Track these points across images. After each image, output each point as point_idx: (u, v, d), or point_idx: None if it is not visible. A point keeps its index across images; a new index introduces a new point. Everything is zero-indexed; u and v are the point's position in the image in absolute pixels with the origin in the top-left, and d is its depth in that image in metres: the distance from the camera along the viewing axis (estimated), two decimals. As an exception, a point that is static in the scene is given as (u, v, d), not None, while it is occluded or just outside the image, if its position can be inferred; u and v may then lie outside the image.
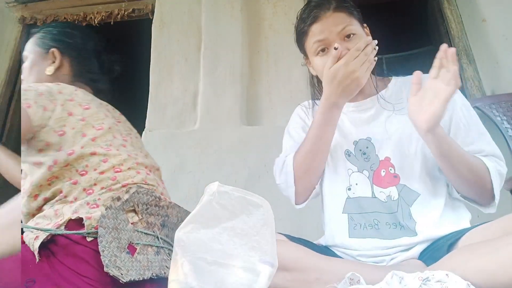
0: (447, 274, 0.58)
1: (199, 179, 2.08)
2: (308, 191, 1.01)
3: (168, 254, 0.90)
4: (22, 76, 1.04)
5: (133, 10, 2.82)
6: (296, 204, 1.02)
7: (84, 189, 0.85)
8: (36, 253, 0.76)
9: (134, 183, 0.90)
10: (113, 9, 2.84)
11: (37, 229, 0.79)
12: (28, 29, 2.95)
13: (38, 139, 0.88)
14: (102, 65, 1.11)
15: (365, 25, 1.03)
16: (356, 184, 0.96)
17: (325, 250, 0.95)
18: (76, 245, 0.78)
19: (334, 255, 0.94)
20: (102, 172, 0.88)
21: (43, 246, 0.78)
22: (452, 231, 0.85)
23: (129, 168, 0.93)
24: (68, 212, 0.81)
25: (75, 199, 0.84)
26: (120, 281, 0.73)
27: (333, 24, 0.94)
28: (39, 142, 0.88)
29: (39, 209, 0.89)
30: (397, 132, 0.95)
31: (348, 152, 0.99)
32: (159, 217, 0.92)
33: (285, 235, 0.89)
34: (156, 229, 0.90)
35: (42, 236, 0.77)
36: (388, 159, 0.95)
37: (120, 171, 0.90)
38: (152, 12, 2.69)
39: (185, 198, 2.04)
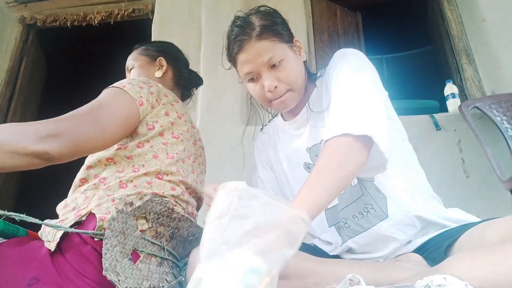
0: (445, 278, 0.58)
1: (199, 179, 2.08)
2: None
3: (171, 267, 0.90)
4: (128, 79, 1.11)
5: (133, 10, 2.82)
6: None
7: (120, 181, 0.87)
8: (55, 243, 0.76)
9: (160, 195, 0.90)
10: (113, 9, 2.84)
11: (48, 225, 0.79)
12: (28, 29, 2.95)
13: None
14: (191, 76, 1.29)
15: (295, 39, 0.98)
16: None
17: (316, 249, 0.95)
18: (84, 244, 0.78)
19: (329, 256, 0.94)
20: (145, 174, 0.89)
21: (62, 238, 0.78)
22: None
23: (169, 181, 0.93)
24: (93, 203, 0.82)
25: (108, 187, 0.86)
26: (116, 287, 0.73)
27: (257, 55, 0.90)
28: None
29: (85, 180, 0.91)
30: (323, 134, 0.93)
31: (307, 164, 0.97)
32: (169, 228, 0.91)
33: None
34: (164, 240, 0.89)
35: (68, 222, 0.79)
36: None
37: (161, 179, 0.91)
38: (152, 12, 2.70)
39: (185, 198, 2.05)
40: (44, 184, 3.03)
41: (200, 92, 2.33)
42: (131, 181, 0.88)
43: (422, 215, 0.86)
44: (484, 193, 1.83)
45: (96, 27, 2.87)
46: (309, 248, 0.91)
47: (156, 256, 0.86)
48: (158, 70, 1.18)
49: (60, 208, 0.88)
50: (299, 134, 1.01)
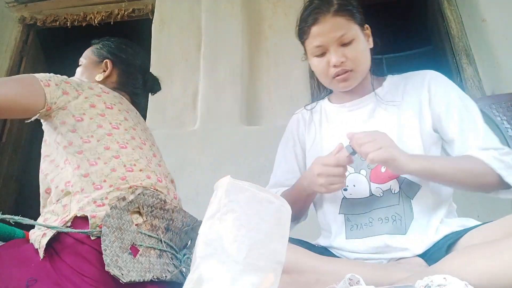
0: (445, 278, 0.58)
1: (199, 179, 2.08)
2: (298, 218, 1.05)
3: (170, 258, 0.90)
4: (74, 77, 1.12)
5: (133, 10, 2.82)
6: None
7: (94, 184, 0.86)
8: (42, 250, 0.77)
9: (142, 186, 0.90)
10: (113, 9, 2.84)
11: (44, 225, 0.79)
12: (28, 29, 2.95)
13: (55, 118, 0.93)
14: (146, 82, 1.22)
15: (366, 26, 1.03)
16: (354, 185, 0.95)
17: (323, 251, 0.95)
18: (80, 244, 0.78)
19: (332, 256, 0.93)
20: (113, 169, 0.88)
21: (48, 244, 0.78)
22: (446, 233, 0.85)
23: (140, 170, 0.93)
24: (75, 208, 0.82)
25: (82, 190, 0.85)
26: (120, 281, 0.73)
27: (331, 29, 0.94)
28: (56, 120, 0.93)
29: (50, 190, 0.92)
30: (395, 126, 0.96)
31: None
32: (164, 220, 0.92)
33: None
34: (160, 232, 0.90)
35: (50, 233, 0.78)
36: None
37: (132, 171, 0.91)
38: (152, 12, 2.70)
39: (185, 198, 2.04)
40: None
41: (200, 92, 2.33)
42: (104, 180, 0.87)
43: (436, 240, 0.86)
44: (484, 193, 1.83)
45: (96, 27, 2.87)
46: (311, 247, 0.91)
47: (155, 248, 0.86)
48: (101, 73, 1.14)
49: (41, 220, 0.87)
50: (354, 116, 1.03)
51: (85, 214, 0.80)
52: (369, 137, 0.82)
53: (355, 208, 0.94)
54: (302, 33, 1.01)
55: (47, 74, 0.95)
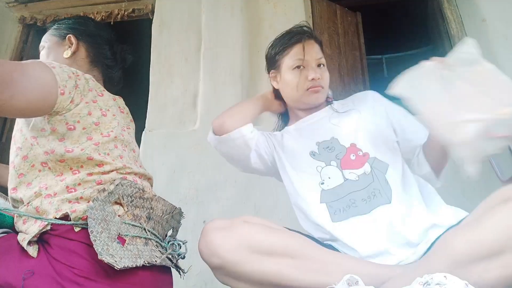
0: (445, 276, 0.59)
1: (199, 179, 2.08)
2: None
3: (155, 246, 0.91)
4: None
5: (133, 10, 2.82)
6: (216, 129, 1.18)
7: (67, 187, 0.85)
8: (31, 250, 0.78)
9: (119, 178, 0.91)
10: (113, 9, 2.84)
11: (33, 217, 0.80)
12: (28, 29, 2.95)
13: (48, 122, 0.87)
14: (115, 53, 1.15)
15: None
16: (329, 178, 1.05)
17: (329, 246, 0.96)
18: (67, 240, 0.79)
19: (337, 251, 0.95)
20: (90, 174, 0.87)
21: (40, 240, 0.80)
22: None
23: (117, 172, 0.93)
24: (51, 210, 0.81)
25: (55, 194, 0.84)
26: (115, 267, 0.74)
27: (313, 51, 1.17)
28: (47, 125, 0.87)
29: (15, 189, 0.88)
30: (355, 123, 1.12)
31: (312, 152, 1.11)
32: (144, 209, 0.92)
33: (291, 230, 0.92)
34: (143, 221, 0.90)
35: (28, 237, 0.79)
36: (354, 145, 1.08)
37: (108, 175, 0.90)
38: (152, 12, 2.70)
39: (185, 198, 2.05)
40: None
41: (200, 92, 2.33)
42: (79, 184, 0.85)
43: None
44: (484, 193, 1.83)
45: (96, 27, 2.87)
46: (318, 242, 0.95)
47: (140, 237, 0.87)
48: (66, 49, 1.06)
49: (20, 223, 0.85)
50: (312, 129, 1.18)
51: (64, 213, 0.80)
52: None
53: (334, 196, 1.03)
54: (283, 49, 1.19)
55: (64, 71, 0.88)
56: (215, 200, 2.00)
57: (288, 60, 1.17)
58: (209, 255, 0.83)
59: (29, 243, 0.79)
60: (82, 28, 1.11)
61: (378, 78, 2.59)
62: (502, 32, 2.19)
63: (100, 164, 0.89)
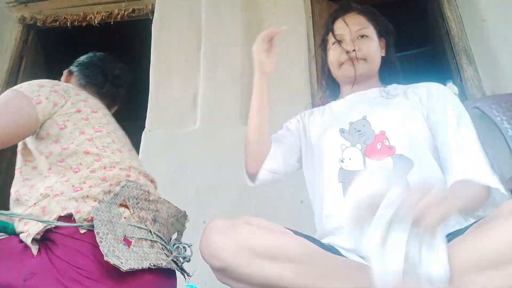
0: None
1: (199, 179, 2.08)
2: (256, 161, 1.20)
3: (161, 249, 0.91)
4: None
5: (133, 10, 2.82)
6: (248, 173, 1.21)
7: (73, 186, 0.86)
8: (34, 248, 0.78)
9: (125, 180, 0.91)
10: (113, 9, 2.84)
11: (38, 220, 0.80)
12: (28, 29, 2.95)
13: (41, 129, 0.93)
14: (106, 74, 1.21)
15: (383, 39, 1.22)
16: (350, 158, 1.03)
17: (331, 249, 0.96)
18: (71, 239, 0.79)
19: (339, 255, 0.94)
20: (93, 171, 0.88)
21: (42, 239, 0.79)
22: None
23: (120, 169, 0.93)
24: (56, 209, 0.82)
25: (61, 193, 0.85)
26: (121, 269, 0.74)
27: (352, 23, 1.15)
28: (42, 131, 0.93)
29: (18, 192, 0.92)
30: (395, 111, 1.06)
31: (342, 130, 1.09)
32: (150, 211, 0.92)
33: (293, 231, 0.91)
34: (149, 223, 0.90)
35: (32, 233, 0.79)
36: (383, 132, 1.03)
37: (111, 171, 0.91)
38: (152, 12, 2.69)
39: (185, 198, 2.04)
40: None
41: (200, 92, 2.33)
42: (84, 182, 0.87)
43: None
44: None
45: (96, 27, 2.87)
46: (321, 245, 0.93)
47: (146, 239, 0.87)
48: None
49: (21, 225, 0.86)
50: (351, 107, 1.14)
51: (69, 212, 0.81)
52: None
53: (351, 179, 0.98)
54: (327, 30, 1.20)
55: (33, 85, 0.93)
56: (215, 200, 2.00)
57: (330, 38, 1.20)
58: (210, 257, 0.83)
59: (31, 241, 0.79)
60: (76, 61, 1.22)
61: (378, 78, 2.59)
62: (502, 32, 2.19)
63: (98, 158, 0.90)
